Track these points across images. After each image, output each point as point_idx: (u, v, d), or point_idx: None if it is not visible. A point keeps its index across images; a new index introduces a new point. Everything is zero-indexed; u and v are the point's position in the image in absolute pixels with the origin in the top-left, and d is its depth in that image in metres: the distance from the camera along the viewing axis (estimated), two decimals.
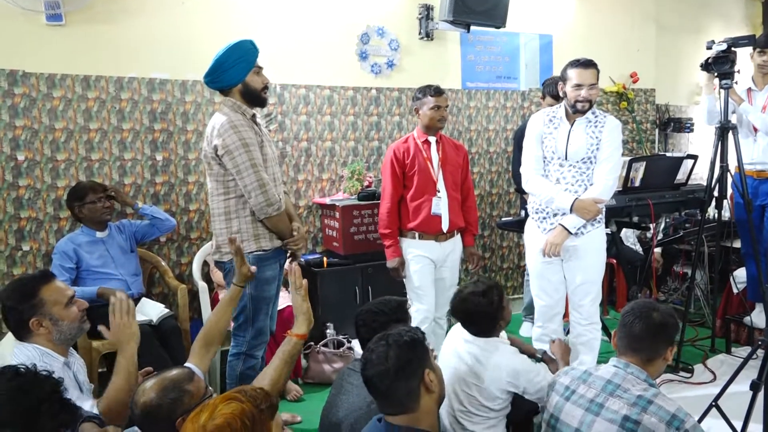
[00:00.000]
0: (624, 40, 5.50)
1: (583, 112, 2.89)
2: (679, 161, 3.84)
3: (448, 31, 4.50)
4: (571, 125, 2.91)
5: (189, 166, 3.76)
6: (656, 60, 5.71)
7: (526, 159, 3.00)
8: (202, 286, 3.48)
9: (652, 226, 3.71)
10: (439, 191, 3.16)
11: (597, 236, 2.96)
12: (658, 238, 4.37)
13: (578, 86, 2.84)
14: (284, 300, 3.35)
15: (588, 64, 2.87)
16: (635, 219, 3.62)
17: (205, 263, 3.71)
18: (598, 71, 2.90)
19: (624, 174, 3.52)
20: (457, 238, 3.31)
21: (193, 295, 3.60)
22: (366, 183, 4.10)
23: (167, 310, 3.21)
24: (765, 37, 3.80)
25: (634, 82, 5.52)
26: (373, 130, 4.35)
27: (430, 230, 3.16)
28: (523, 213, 3.69)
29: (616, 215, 3.56)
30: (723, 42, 3.52)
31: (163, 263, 3.59)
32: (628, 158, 3.58)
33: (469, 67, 4.75)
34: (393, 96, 4.40)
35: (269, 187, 2.48)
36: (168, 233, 3.60)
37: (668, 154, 4.49)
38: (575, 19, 5.21)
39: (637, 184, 3.56)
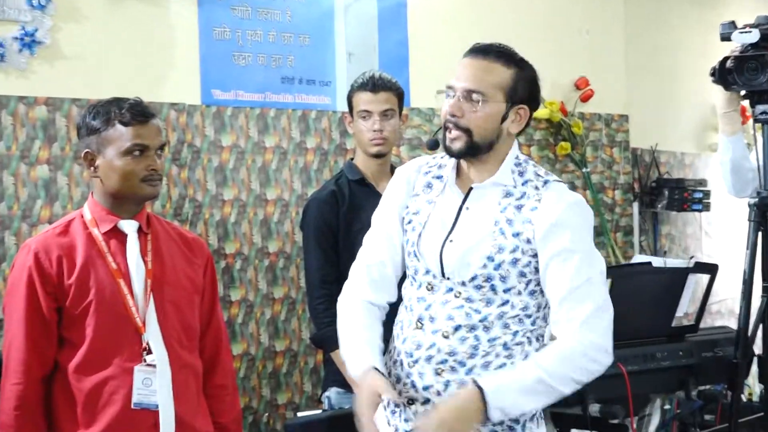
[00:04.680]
0: (557, 8, 5.96)
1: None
2: (681, 277, 4.03)
3: None
4: (465, 197, 3.00)
5: None
6: (627, 55, 6.24)
7: (359, 262, 3.14)
8: None
9: (631, 422, 3.78)
10: (148, 350, 3.22)
11: None
12: None
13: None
14: None
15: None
16: (595, 409, 3.77)
17: None
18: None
19: None
20: None
21: None
22: None
23: None
24: None
25: (584, 99, 5.97)
26: None
27: None
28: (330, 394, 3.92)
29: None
30: (752, 27, 3.82)
31: None
32: None
33: (218, 57, 4.92)
34: (35, 117, 4.53)
35: None
36: None
37: (657, 260, 4.68)
38: None
39: None
